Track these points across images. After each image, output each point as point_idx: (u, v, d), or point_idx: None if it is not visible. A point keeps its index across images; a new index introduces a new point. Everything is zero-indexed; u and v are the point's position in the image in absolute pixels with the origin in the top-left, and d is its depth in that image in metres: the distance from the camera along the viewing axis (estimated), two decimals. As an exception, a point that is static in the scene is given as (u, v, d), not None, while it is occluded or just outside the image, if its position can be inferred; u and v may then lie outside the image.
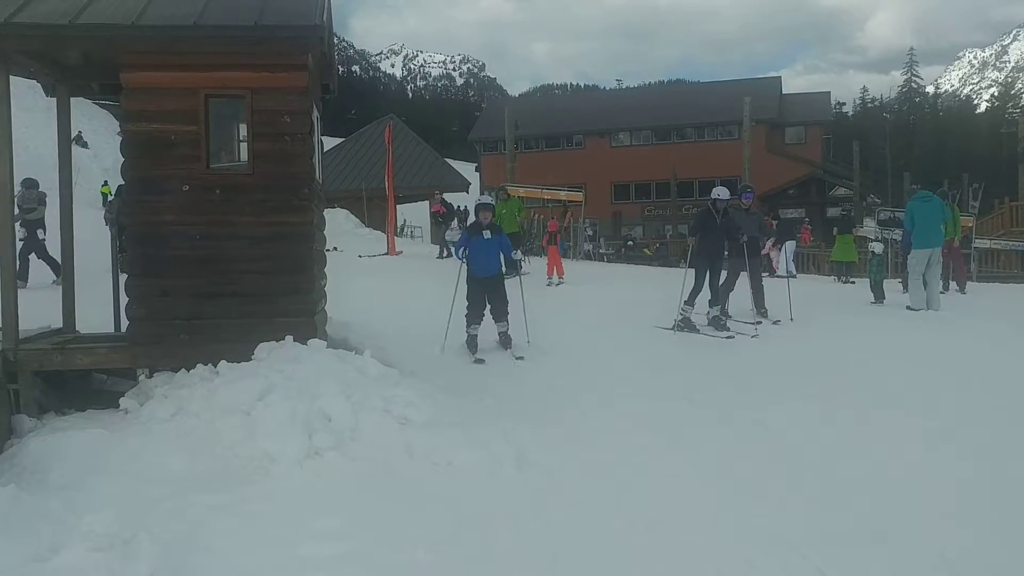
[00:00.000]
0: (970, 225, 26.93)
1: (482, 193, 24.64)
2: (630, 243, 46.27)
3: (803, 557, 4.35)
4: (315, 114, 8.08)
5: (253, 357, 6.99)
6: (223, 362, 6.93)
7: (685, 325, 12.12)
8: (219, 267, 7.45)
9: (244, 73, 7.44)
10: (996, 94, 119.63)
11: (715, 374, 9.37)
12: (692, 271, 12.41)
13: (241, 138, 7.89)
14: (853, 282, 20.04)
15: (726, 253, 12.92)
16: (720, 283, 12.74)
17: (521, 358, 9.84)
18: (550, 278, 17.39)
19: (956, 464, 6.02)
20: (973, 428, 6.87)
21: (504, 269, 10.67)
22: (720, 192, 12.59)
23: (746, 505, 5.24)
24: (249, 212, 7.49)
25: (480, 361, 9.48)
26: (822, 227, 42.42)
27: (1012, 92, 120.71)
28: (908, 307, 14.16)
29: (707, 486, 5.59)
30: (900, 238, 17.42)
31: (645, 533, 4.59)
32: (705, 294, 12.34)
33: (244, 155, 7.71)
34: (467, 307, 10.18)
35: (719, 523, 4.84)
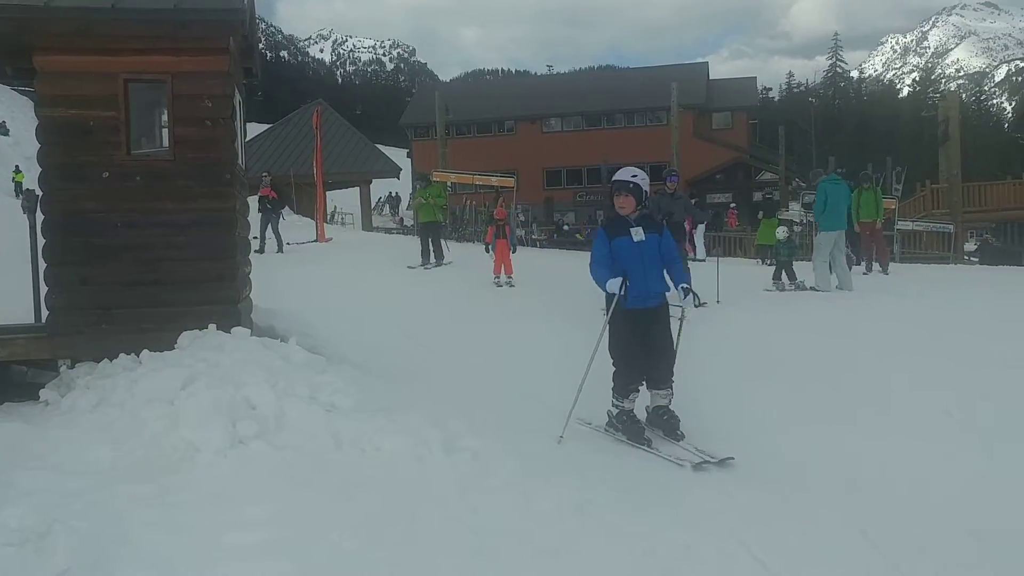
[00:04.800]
0: (893, 207, 27.60)
1: (416, 180, 24.22)
2: (564, 228, 46.54)
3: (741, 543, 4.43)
4: (238, 98, 7.96)
5: (176, 346, 6.90)
6: (146, 351, 6.82)
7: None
8: (141, 255, 7.32)
9: (164, 57, 7.30)
10: (917, 79, 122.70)
11: None
12: None
13: (163, 124, 7.74)
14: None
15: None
16: None
17: None
18: (497, 276, 15.59)
19: (869, 437, 6.18)
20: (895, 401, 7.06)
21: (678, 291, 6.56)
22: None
23: (678, 488, 5.34)
24: (171, 198, 7.37)
25: (654, 450, 6.07)
26: (749, 211, 43.13)
27: (932, 77, 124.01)
28: (813, 288, 14.48)
29: (642, 466, 5.68)
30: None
31: (574, 515, 4.64)
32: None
33: (166, 141, 7.58)
34: (615, 364, 6.35)
35: (650, 505, 4.92)
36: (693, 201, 18.16)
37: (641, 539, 4.37)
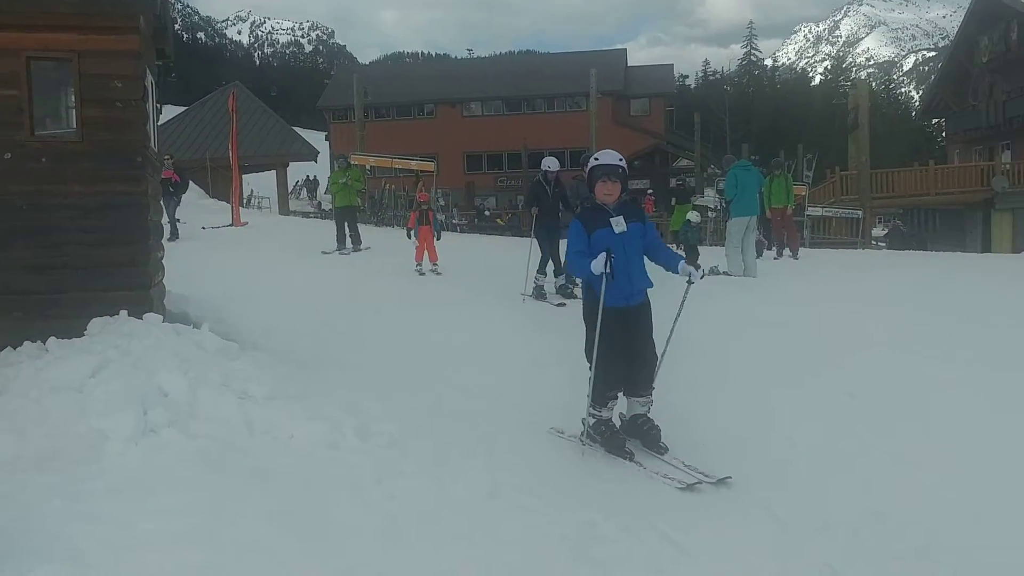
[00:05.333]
0: (803, 194, 28.30)
1: (338, 160, 23.81)
2: (486, 213, 46.54)
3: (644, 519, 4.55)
4: (150, 79, 7.79)
5: (86, 333, 6.73)
6: (52, 339, 6.64)
7: (536, 294, 12.52)
8: (48, 239, 7.13)
9: (70, 35, 7.10)
10: (829, 67, 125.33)
11: (562, 341, 9.55)
12: (536, 241, 12.83)
13: (70, 104, 7.53)
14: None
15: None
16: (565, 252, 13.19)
17: None
18: (419, 264, 15.11)
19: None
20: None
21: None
22: (549, 163, 13.03)
23: (583, 468, 5.44)
24: (79, 181, 7.18)
25: (636, 462, 5.62)
26: (666, 197, 43.72)
27: (844, 66, 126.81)
28: (725, 272, 14.82)
29: (551, 448, 5.77)
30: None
31: (487, 499, 4.69)
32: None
33: (74, 122, 7.38)
34: (593, 368, 5.70)
35: (560, 486, 5.00)
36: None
37: (553, 521, 4.45)
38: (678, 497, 4.91)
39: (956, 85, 48.32)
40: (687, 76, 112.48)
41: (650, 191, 43.53)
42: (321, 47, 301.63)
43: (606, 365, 5.62)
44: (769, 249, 19.44)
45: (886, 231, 43.70)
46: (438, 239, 15.31)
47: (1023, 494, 4.97)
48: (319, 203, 53.08)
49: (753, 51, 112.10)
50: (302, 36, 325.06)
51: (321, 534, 4.07)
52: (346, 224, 18.61)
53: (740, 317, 10.42)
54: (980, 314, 10.47)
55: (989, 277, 14.95)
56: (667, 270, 5.73)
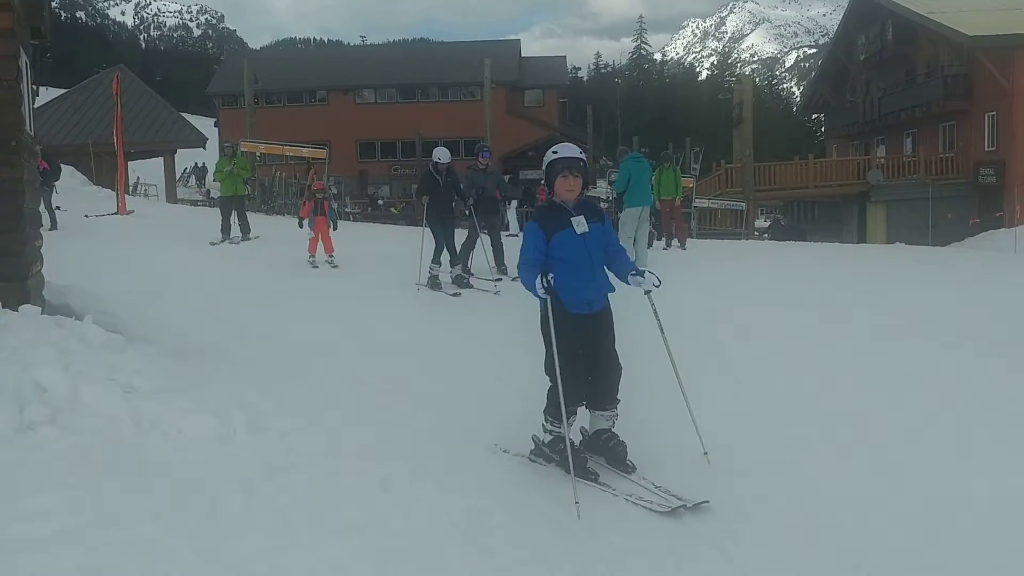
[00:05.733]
0: (691, 186, 28.95)
1: (224, 148, 23.22)
2: (379, 202, 46.18)
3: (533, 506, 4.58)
4: (24, 59, 7.44)
5: (-44, 326, 6.40)
6: (-81, 332, 6.30)
7: (431, 284, 12.53)
8: (-87, 227, 6.75)
9: (-66, 11, 6.73)
10: (715, 63, 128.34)
11: (456, 331, 9.61)
12: (430, 231, 12.81)
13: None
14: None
15: (468, 212, 13.35)
16: (463, 242, 13.26)
17: None
18: (313, 255, 14.71)
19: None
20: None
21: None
22: (440, 154, 13.02)
23: (468, 458, 5.46)
24: (-53, 167, 6.82)
25: (593, 477, 5.17)
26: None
27: (729, 61, 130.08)
28: None
29: (438, 439, 5.77)
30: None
31: (379, 490, 4.65)
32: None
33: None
34: (552, 379, 5.14)
35: (448, 476, 5.00)
36: (507, 178, 18.47)
37: (442, 510, 4.45)
38: (564, 481, 4.93)
39: (835, 82, 50.20)
40: (579, 68, 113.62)
41: (543, 181, 43.84)
42: (211, 31, 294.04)
43: (567, 375, 4.99)
44: (659, 240, 19.85)
45: (768, 222, 45.04)
46: (334, 229, 14.94)
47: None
48: (208, 191, 51.83)
49: (643, 45, 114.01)
50: (190, 20, 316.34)
51: (211, 531, 3.97)
52: (234, 213, 18.17)
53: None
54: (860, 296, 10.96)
55: (864, 266, 15.66)
56: (618, 278, 5.30)
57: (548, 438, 5.32)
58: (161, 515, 4.05)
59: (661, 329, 5.33)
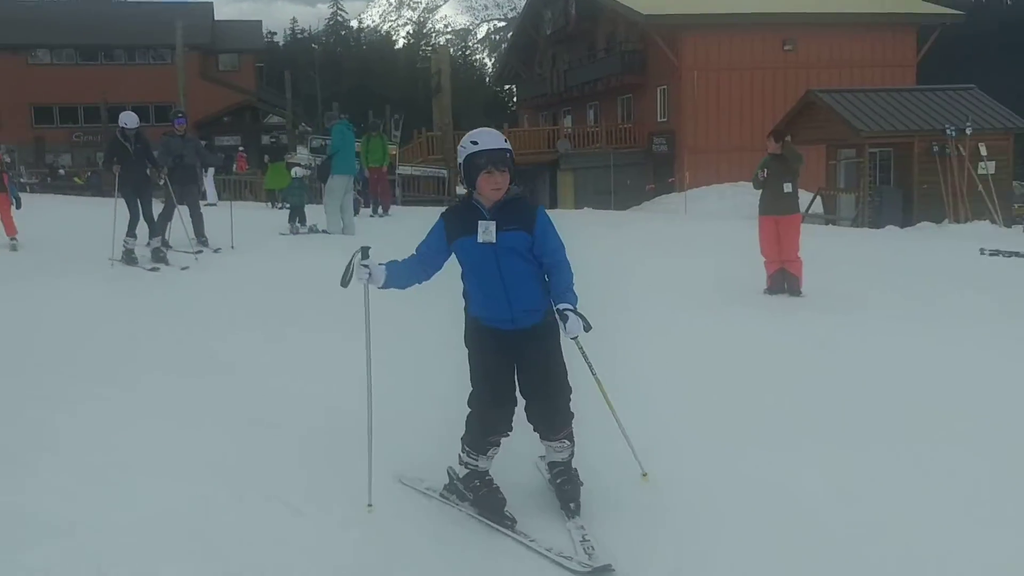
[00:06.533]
0: (394, 153, 29.48)
1: None
2: (60, 171, 43.05)
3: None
4: None
5: None
6: None
7: (126, 258, 11.88)
8: None
9: None
10: (411, 32, 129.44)
11: (155, 311, 9.24)
12: (124, 201, 12.12)
13: None
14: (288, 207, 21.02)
15: (163, 181, 12.85)
16: (160, 213, 12.63)
17: None
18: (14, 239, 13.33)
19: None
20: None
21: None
22: (127, 119, 12.18)
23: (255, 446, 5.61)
24: None
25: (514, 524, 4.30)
26: (258, 154, 43.23)
27: (424, 31, 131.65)
28: (324, 231, 15.31)
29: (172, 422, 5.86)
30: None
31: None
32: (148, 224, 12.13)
33: None
34: (468, 403, 4.46)
35: (200, 472, 5.09)
36: (204, 144, 17.92)
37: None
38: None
39: (524, 55, 52.63)
40: (276, 33, 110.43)
41: (241, 148, 42.75)
42: None
43: (486, 399, 4.33)
44: (366, 207, 20.21)
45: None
46: (17, 207, 13.59)
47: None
48: None
49: (339, 11, 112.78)
50: None
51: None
52: None
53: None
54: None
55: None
56: (554, 303, 4.26)
57: (463, 472, 4.48)
58: None
59: (592, 371, 4.56)
